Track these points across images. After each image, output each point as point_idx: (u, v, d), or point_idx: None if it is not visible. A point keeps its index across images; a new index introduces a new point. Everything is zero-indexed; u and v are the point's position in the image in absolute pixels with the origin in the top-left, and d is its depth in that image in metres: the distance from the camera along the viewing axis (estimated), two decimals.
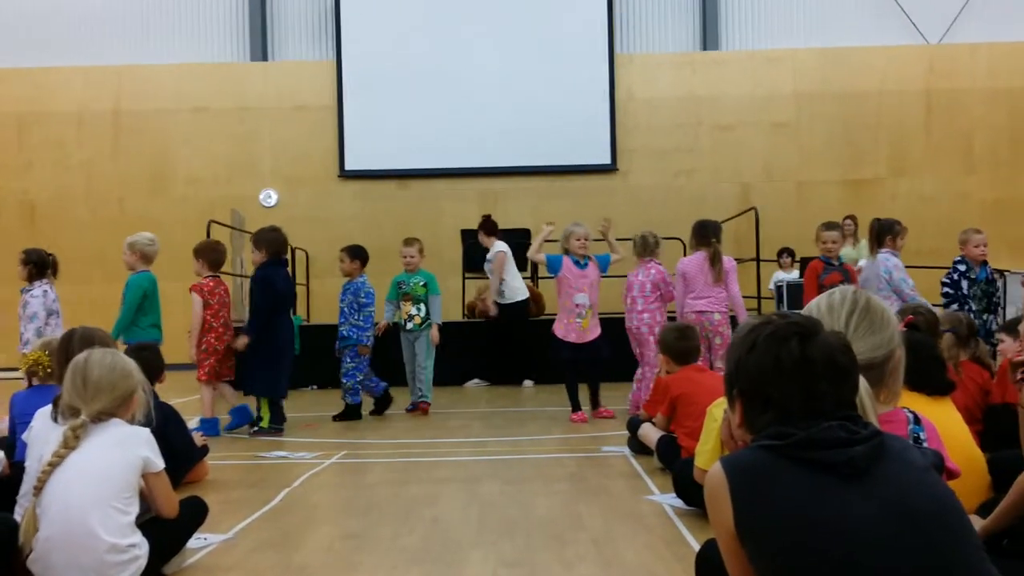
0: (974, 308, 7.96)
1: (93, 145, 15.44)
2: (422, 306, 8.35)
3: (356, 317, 7.97)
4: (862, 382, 2.03)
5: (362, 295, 8.07)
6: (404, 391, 8.53)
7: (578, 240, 7.70)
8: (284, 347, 7.17)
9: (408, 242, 8.61)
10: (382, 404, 8.26)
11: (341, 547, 3.66)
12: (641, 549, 3.53)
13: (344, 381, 7.93)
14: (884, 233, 7.98)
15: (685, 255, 13.13)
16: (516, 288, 10.58)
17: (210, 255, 7.40)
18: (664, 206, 15.13)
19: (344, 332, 7.98)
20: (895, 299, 7.46)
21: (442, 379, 11.16)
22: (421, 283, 8.40)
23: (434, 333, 8.28)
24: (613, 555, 3.45)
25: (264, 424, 7.02)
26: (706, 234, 7.62)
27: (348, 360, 7.89)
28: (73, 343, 3.69)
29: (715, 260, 7.49)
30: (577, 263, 7.64)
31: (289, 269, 8.46)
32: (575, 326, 7.51)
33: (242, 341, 7.09)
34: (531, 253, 8.06)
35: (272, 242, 7.26)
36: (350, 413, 7.92)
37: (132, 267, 7.12)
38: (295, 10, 15.91)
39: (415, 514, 4.21)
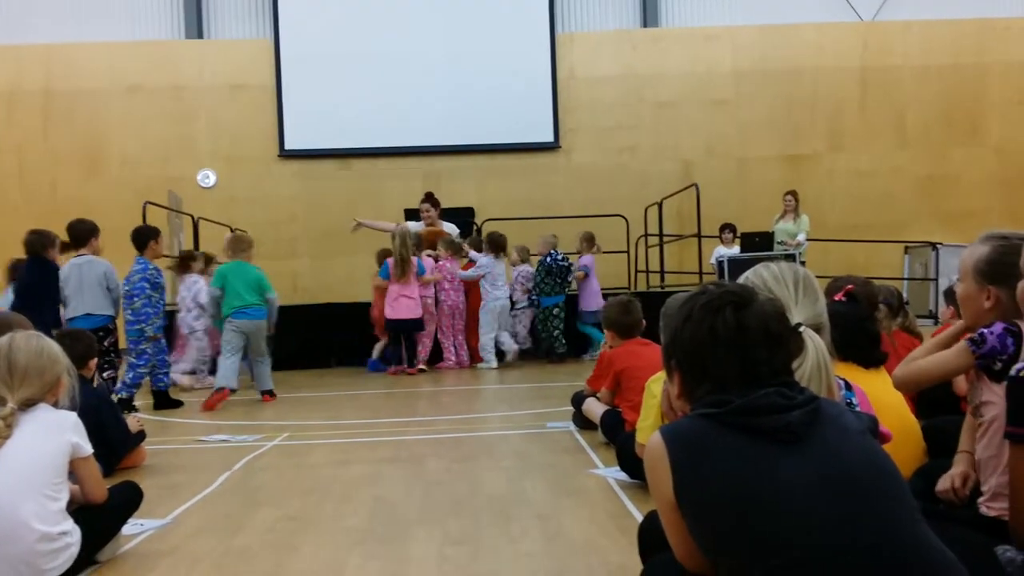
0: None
1: (24, 126, 15.01)
2: None
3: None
4: (822, 344, 2.05)
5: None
6: None
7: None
8: None
9: None
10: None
11: (283, 528, 3.61)
12: (585, 523, 3.54)
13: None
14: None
15: (628, 233, 13.25)
16: None
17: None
18: (607, 184, 15.20)
19: None
20: None
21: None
22: None
23: None
24: (558, 529, 3.45)
25: None
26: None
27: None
28: None
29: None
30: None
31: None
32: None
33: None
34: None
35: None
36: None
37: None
38: None
39: (358, 494, 4.17)
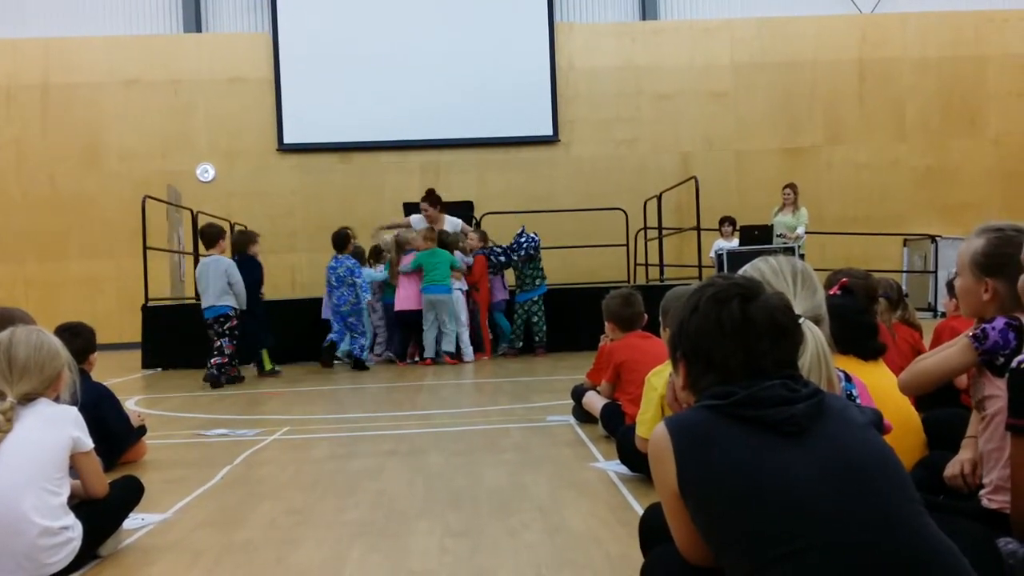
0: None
1: (22, 120, 14.99)
2: None
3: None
4: (822, 336, 2.05)
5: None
6: None
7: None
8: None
9: None
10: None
11: (284, 522, 3.61)
12: (586, 515, 3.54)
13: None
14: None
15: (627, 226, 13.25)
16: None
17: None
18: (606, 176, 15.19)
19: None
20: None
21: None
22: None
23: None
24: (559, 522, 3.46)
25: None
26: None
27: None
28: None
29: None
30: None
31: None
32: None
33: None
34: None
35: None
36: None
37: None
38: None
39: (360, 488, 4.17)
